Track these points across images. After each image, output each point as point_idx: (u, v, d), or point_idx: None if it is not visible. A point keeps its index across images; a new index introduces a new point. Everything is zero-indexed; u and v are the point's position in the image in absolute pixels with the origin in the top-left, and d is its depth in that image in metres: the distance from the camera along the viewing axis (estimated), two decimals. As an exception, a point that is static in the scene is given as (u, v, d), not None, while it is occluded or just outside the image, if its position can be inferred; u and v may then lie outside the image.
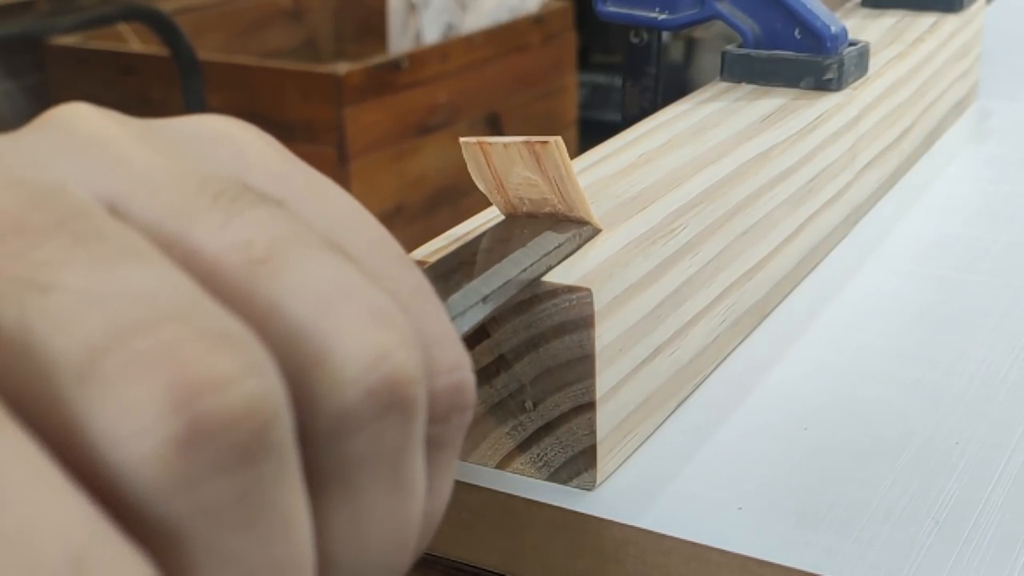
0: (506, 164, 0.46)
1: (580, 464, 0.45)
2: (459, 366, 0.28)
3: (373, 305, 0.25)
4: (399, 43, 2.84)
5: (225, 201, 0.26)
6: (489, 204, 0.48)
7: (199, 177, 0.26)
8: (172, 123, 0.29)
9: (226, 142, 0.29)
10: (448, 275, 0.41)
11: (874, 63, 0.70)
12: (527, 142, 0.45)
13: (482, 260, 0.43)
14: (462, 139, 0.46)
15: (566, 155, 0.45)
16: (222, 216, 0.26)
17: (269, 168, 0.29)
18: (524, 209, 0.47)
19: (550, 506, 0.45)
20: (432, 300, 0.28)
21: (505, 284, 0.41)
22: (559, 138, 0.44)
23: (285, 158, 0.29)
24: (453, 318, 0.38)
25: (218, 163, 0.28)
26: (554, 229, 0.46)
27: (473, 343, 0.45)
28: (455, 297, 0.39)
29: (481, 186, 0.47)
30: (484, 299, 0.40)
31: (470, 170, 0.47)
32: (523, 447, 0.46)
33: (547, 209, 0.47)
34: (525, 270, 0.43)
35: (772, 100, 0.64)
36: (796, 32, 0.66)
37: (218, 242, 0.25)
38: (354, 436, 0.25)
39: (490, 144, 0.46)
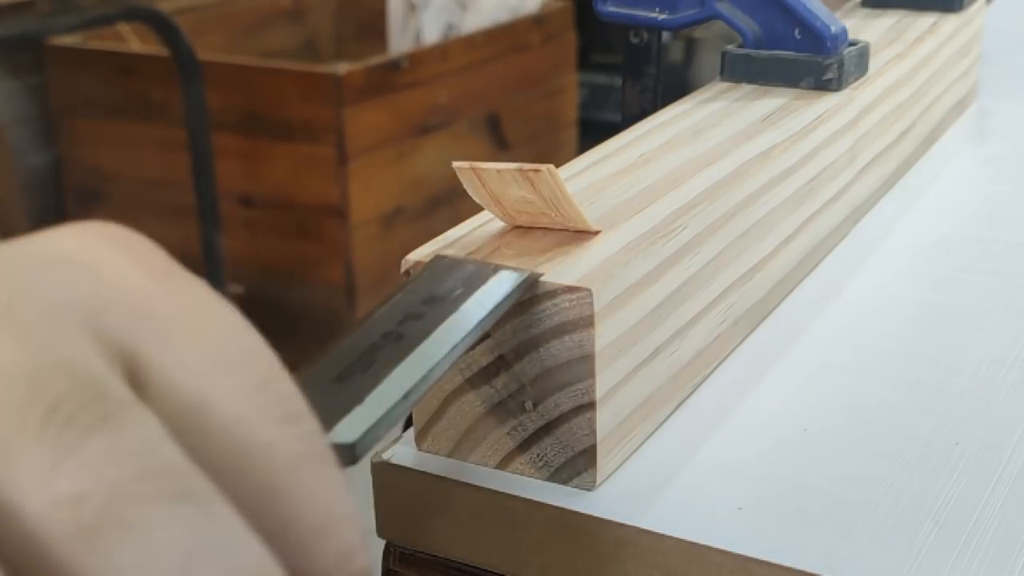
0: (501, 186, 0.46)
1: (580, 464, 0.46)
2: (350, 555, 0.24)
3: (237, 570, 0.22)
4: (399, 43, 2.84)
5: (58, 425, 0.22)
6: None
7: (33, 380, 0.22)
8: (25, 248, 0.25)
9: (82, 269, 0.25)
10: (369, 357, 0.36)
11: (874, 63, 0.70)
12: (520, 169, 0.45)
13: (406, 338, 0.38)
14: (455, 164, 0.46)
15: (560, 180, 0.45)
16: (51, 452, 0.21)
17: (130, 297, 0.25)
18: (522, 220, 0.48)
19: (550, 506, 0.45)
20: (324, 467, 0.24)
21: (431, 371, 0.37)
22: (551, 166, 0.45)
23: (151, 274, 0.26)
24: (370, 428, 0.33)
25: (71, 304, 0.24)
26: (491, 276, 0.43)
27: (473, 343, 0.45)
28: (372, 397, 0.34)
29: (479, 201, 0.48)
30: (406, 395, 0.36)
31: (466, 189, 0.47)
32: (523, 447, 0.46)
33: (545, 222, 0.47)
34: (455, 347, 0.39)
35: (772, 100, 0.64)
36: (796, 32, 0.66)
37: (44, 498, 0.21)
38: None
39: (483, 170, 0.46)
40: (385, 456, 0.48)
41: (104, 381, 0.23)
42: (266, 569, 0.22)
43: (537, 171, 0.44)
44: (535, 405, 0.45)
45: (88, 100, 2.65)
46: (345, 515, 0.24)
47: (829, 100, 0.65)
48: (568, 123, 3.00)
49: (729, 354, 0.56)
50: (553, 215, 0.47)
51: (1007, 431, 0.49)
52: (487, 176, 0.46)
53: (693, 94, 0.66)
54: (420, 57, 2.53)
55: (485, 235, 0.48)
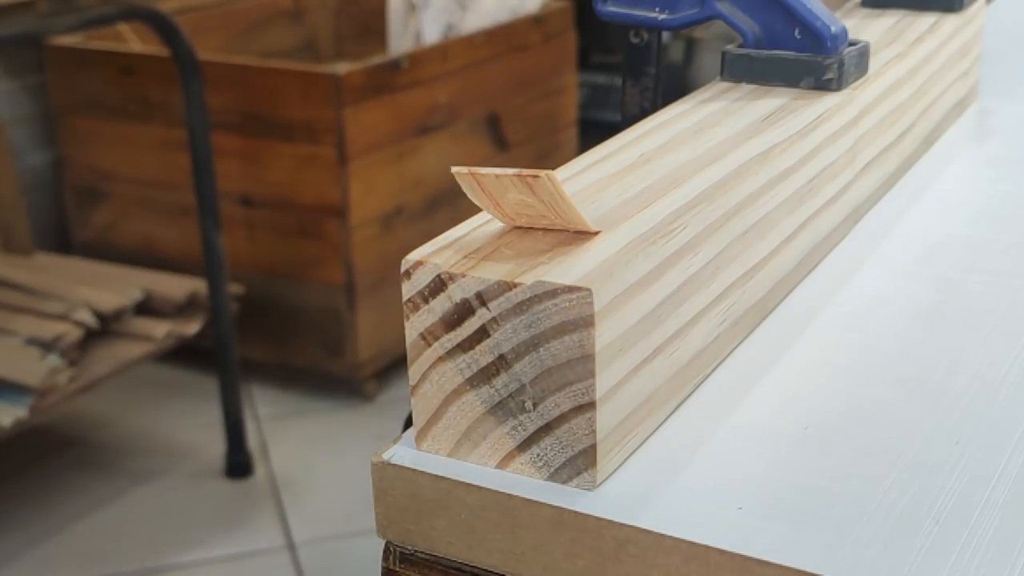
0: (500, 191, 0.46)
1: (580, 464, 0.46)
2: None
3: None
4: (399, 43, 2.84)
5: None
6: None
7: None
8: None
9: None
10: None
11: (874, 63, 0.70)
12: (519, 175, 0.45)
13: None
14: (454, 169, 0.46)
15: (559, 185, 0.45)
16: None
17: None
18: (522, 221, 0.48)
19: (550, 506, 0.45)
20: None
21: None
22: (550, 172, 0.45)
23: None
24: None
25: None
26: None
27: (473, 343, 0.45)
28: None
29: (479, 204, 0.48)
30: None
31: (466, 192, 0.47)
32: (523, 447, 0.46)
33: (545, 223, 0.47)
34: None
35: (772, 100, 0.64)
36: (796, 32, 0.66)
37: None
38: None
39: (483, 175, 0.46)
40: (385, 456, 0.48)
41: None
42: None
43: (536, 177, 0.45)
44: (535, 405, 0.45)
45: (88, 100, 2.65)
46: None
47: (829, 100, 0.65)
48: (568, 123, 3.00)
49: (729, 354, 0.56)
50: (553, 217, 0.47)
51: (1007, 430, 0.50)
52: (486, 181, 0.46)
53: (693, 94, 0.66)
54: (420, 57, 2.53)
55: (485, 235, 0.48)
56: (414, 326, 0.47)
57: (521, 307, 0.44)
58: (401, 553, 0.49)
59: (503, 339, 0.45)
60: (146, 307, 2.35)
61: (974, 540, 0.43)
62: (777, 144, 0.59)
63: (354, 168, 2.41)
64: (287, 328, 2.71)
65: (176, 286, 2.46)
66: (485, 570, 0.47)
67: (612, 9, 0.71)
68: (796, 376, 0.54)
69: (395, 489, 0.48)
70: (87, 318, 2.13)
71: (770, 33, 0.67)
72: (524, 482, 0.46)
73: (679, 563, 0.43)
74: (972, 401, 0.52)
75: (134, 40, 2.82)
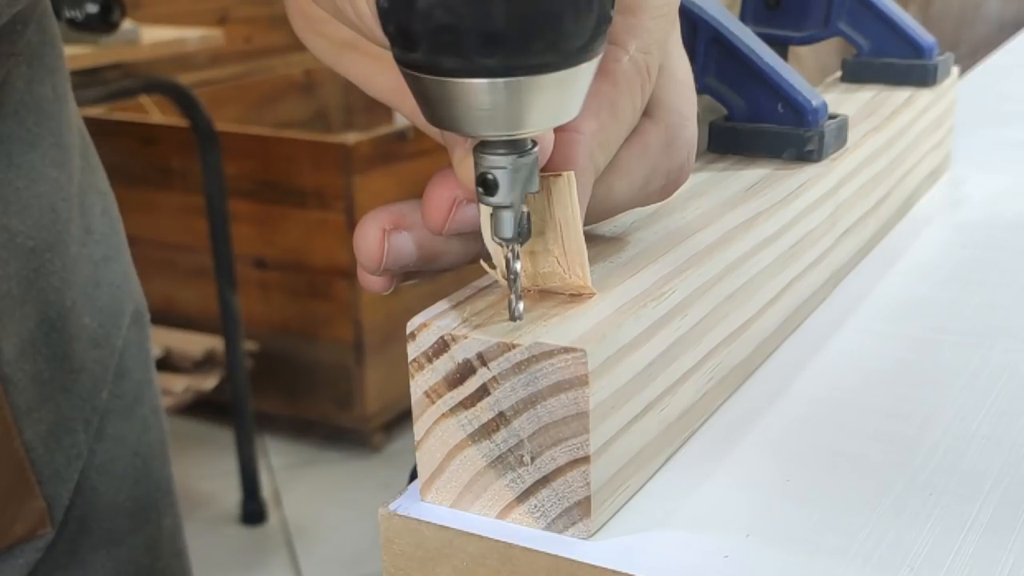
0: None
1: (576, 514, 0.46)
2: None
3: None
4: (405, 114, 2.86)
5: None
6: (492, 266, 0.49)
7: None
8: None
9: None
10: None
11: (852, 135, 0.71)
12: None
13: None
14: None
15: (574, 194, 0.46)
16: None
17: None
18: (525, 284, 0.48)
19: (547, 554, 0.45)
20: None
21: None
22: (571, 173, 0.46)
23: None
24: None
25: None
26: None
27: (475, 400, 0.46)
28: None
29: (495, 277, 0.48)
30: None
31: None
32: (521, 498, 0.46)
33: (547, 268, 0.48)
34: None
35: (756, 171, 0.65)
36: (779, 106, 0.67)
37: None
38: None
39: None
40: (391, 507, 0.48)
41: None
42: None
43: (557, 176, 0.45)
44: (533, 459, 0.46)
45: (112, 168, 2.66)
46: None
47: (810, 170, 0.65)
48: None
49: (716, 409, 0.57)
50: (558, 253, 0.47)
51: (978, 483, 0.50)
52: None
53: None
54: (425, 127, 2.54)
55: (486, 298, 0.48)
56: (419, 385, 0.47)
57: (520, 367, 0.45)
58: (406, 599, 0.49)
59: (503, 397, 0.45)
60: (166, 363, 2.35)
61: (947, 587, 0.43)
62: (761, 212, 0.59)
63: (363, 232, 2.42)
64: (299, 383, 2.71)
65: (194, 343, 2.46)
66: (486, 615, 0.47)
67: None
68: (778, 430, 0.55)
69: (401, 538, 0.48)
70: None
71: (754, 107, 0.68)
72: (522, 531, 0.46)
73: (669, 608, 0.43)
74: (944, 454, 0.52)
75: (155, 112, 2.83)
